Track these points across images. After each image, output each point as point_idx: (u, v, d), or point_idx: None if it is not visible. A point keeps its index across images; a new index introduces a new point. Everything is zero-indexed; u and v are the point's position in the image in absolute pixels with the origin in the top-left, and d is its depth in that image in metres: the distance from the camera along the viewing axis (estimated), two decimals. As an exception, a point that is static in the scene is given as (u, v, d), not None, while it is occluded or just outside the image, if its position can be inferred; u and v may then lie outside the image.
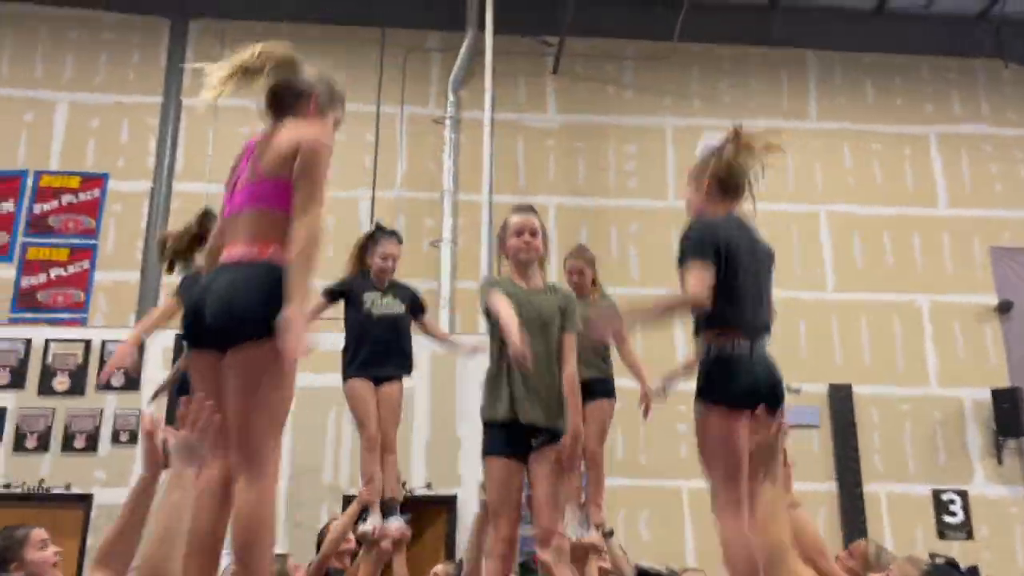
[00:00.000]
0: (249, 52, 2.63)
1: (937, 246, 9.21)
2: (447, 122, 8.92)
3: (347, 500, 6.34)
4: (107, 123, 8.75)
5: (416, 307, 4.72)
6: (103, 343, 6.58)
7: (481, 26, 8.82)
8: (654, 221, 9.09)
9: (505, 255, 3.49)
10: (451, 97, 8.99)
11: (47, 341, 6.53)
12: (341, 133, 8.80)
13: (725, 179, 2.90)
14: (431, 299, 8.39)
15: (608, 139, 9.32)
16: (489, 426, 3.25)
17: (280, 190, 2.42)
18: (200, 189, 8.62)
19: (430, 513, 6.27)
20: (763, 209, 9.33)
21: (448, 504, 6.19)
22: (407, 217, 8.81)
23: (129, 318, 8.14)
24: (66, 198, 8.49)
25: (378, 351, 4.42)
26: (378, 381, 4.42)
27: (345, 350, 4.51)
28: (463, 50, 8.97)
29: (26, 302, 8.18)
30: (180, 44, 9.01)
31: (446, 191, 8.75)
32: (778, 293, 8.93)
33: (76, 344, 6.59)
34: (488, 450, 3.22)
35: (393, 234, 4.76)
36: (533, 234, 3.43)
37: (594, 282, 4.85)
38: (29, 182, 8.49)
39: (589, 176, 9.20)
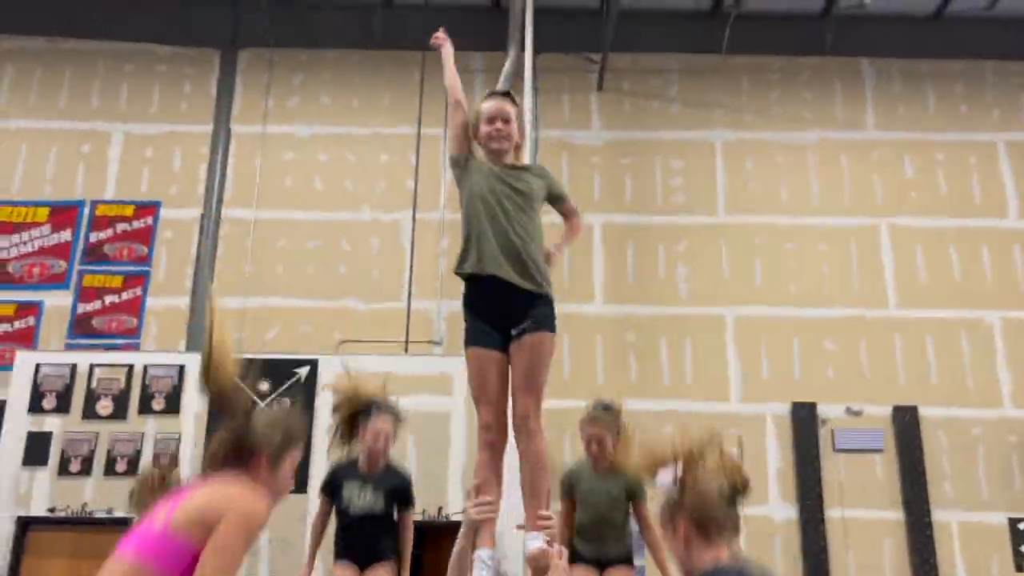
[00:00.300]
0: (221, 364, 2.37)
1: (1008, 259, 8.71)
2: (490, 142, 8.86)
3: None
4: (160, 152, 8.98)
5: (401, 501, 4.33)
6: (145, 368, 6.68)
7: (524, 45, 8.76)
8: (703, 238, 8.84)
9: (479, 143, 3.25)
10: (494, 117, 8.92)
11: (91, 366, 6.66)
12: (385, 154, 8.81)
13: (700, 519, 2.25)
14: (474, 321, 8.32)
15: (655, 155, 9.12)
16: (466, 310, 3.07)
17: (178, 553, 2.08)
18: (248, 215, 8.76)
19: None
20: (820, 223, 9.07)
21: (485, 530, 6.04)
22: (450, 238, 8.75)
23: (179, 343, 8.28)
24: (120, 226, 8.71)
25: (360, 545, 4.18)
26: (363, 565, 4.19)
27: (335, 532, 4.32)
28: (505, 69, 8.91)
29: (82, 328, 8.40)
30: (230, 73, 9.20)
31: (489, 211, 8.65)
32: (838, 311, 8.64)
33: (119, 369, 6.71)
34: (465, 342, 3.04)
35: (387, 409, 4.27)
36: (506, 121, 3.17)
37: (615, 447, 4.21)
38: (86, 211, 8.75)
39: (636, 193, 9.01)
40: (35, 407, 6.47)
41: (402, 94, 9.08)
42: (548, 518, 2.72)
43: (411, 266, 8.50)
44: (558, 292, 9.10)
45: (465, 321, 3.05)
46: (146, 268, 8.60)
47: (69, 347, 8.16)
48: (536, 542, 2.60)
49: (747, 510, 8.14)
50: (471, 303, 3.04)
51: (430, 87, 8.99)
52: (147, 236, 8.71)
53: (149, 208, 8.80)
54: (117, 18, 9.24)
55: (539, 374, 2.91)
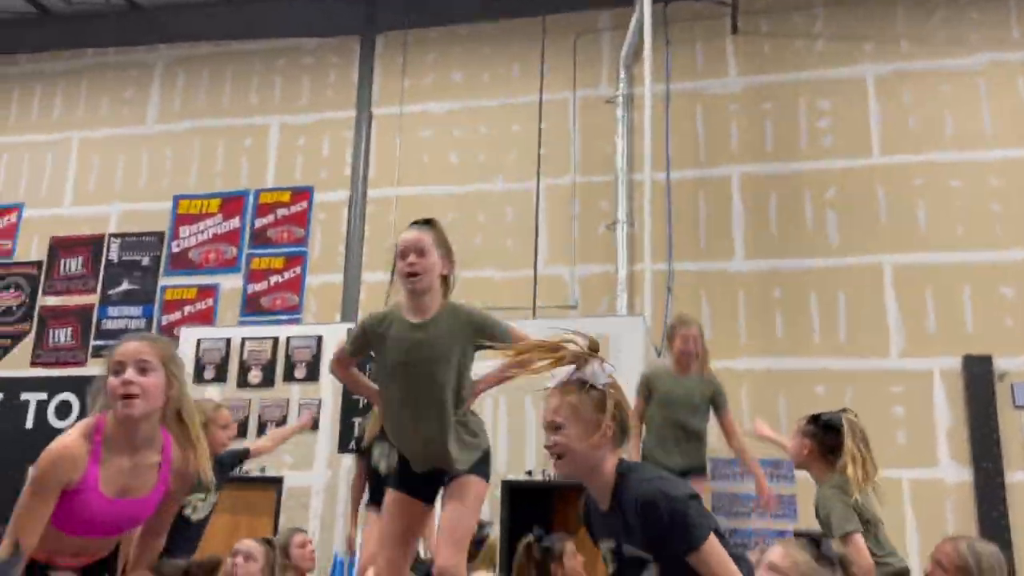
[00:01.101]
0: None
1: None
2: (619, 100, 8.69)
3: (505, 486, 6.41)
4: (311, 140, 9.59)
5: None
6: (287, 340, 7.25)
7: (650, -3, 8.48)
8: (856, 181, 8.21)
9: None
10: (622, 74, 8.75)
11: (243, 340, 7.30)
12: (516, 124, 8.88)
13: (623, 422, 2.26)
14: (607, 283, 8.24)
15: (799, 96, 8.55)
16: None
17: None
18: (390, 193, 9.17)
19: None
20: (992, 157, 8.19)
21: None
22: (582, 202, 8.72)
23: (335, 315, 8.84)
24: (280, 211, 9.42)
25: None
26: None
27: None
28: (632, 24, 8.67)
29: (251, 307, 9.19)
30: (368, 59, 9.62)
31: (620, 171, 8.52)
32: (1016, 253, 7.74)
33: (266, 342, 7.31)
34: (392, 483, 2.95)
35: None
36: (420, 253, 2.85)
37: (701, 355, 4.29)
38: (251, 200, 9.53)
39: (778, 139, 8.49)
40: (198, 378, 7.19)
41: (529, 62, 9.09)
42: None
43: (536, 232, 8.54)
44: (695, 253, 8.77)
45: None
46: (304, 249, 9.26)
47: (241, 324, 8.96)
48: None
49: (915, 472, 7.54)
50: (403, 463, 2.89)
51: (553, 51, 8.96)
52: (303, 219, 9.36)
53: (304, 193, 9.45)
54: (269, 16, 9.93)
55: (462, 521, 2.76)
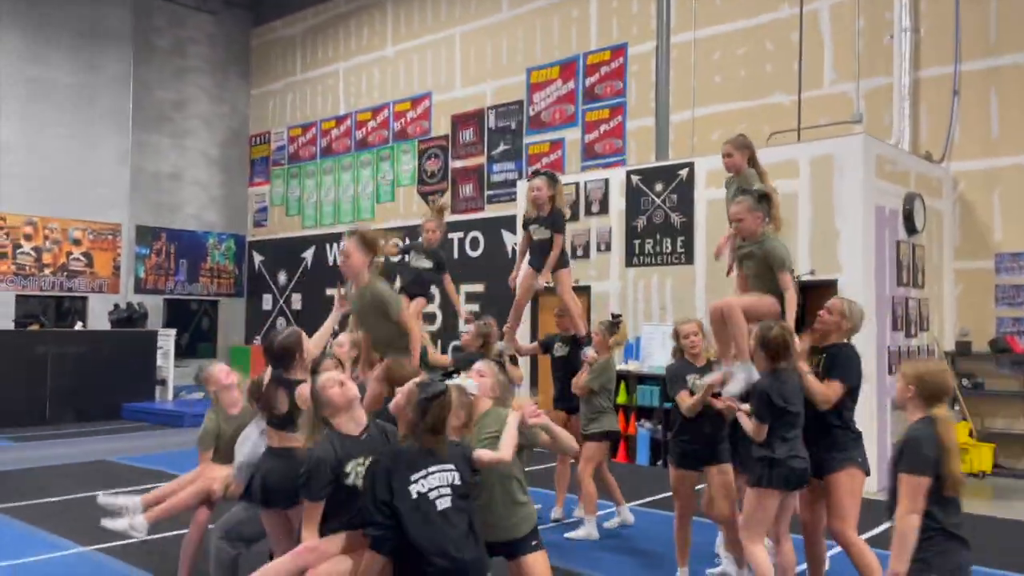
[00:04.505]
0: None
1: None
2: (899, -100, 8.47)
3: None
4: (622, 1, 10.91)
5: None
6: (584, 183, 9.05)
7: None
8: None
9: None
10: None
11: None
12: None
13: None
14: (891, 95, 8.45)
15: None
16: None
17: None
18: (689, 38, 10.19)
19: (815, 295, 7.06)
20: None
21: (831, 287, 6.89)
22: (866, 15, 8.83)
23: (650, 155, 10.39)
24: (603, 69, 11.07)
25: None
26: None
27: None
28: None
29: (588, 154, 11.16)
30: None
31: (902, -22, 8.45)
32: None
33: (569, 186, 9.16)
34: None
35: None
36: (346, 257, 4.05)
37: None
38: (581, 63, 11.31)
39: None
40: (527, 217, 9.43)
41: None
42: None
43: (800, 56, 8.87)
44: (984, 51, 8.70)
45: None
46: (623, 100, 10.86)
47: (583, 169, 11.00)
48: None
49: None
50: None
51: None
52: (620, 73, 10.90)
53: (620, 50, 10.93)
54: None
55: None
